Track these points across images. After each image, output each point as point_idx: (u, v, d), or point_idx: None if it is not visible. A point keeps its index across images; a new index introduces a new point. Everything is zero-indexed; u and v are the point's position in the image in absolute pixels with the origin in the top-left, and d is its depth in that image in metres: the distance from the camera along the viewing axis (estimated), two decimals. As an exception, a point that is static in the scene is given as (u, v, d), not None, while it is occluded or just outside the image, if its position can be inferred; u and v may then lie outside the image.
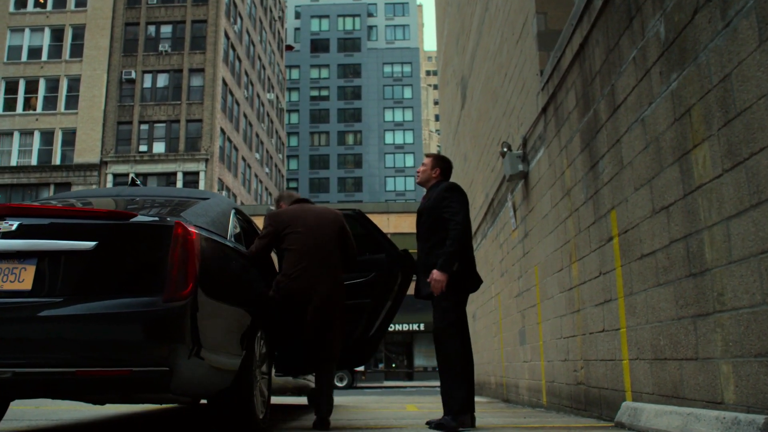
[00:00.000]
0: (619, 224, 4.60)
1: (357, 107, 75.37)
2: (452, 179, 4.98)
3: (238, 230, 4.49)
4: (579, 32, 5.43)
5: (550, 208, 6.51)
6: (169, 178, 37.19)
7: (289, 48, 70.92)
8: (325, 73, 76.56)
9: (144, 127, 38.41)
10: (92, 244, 3.20)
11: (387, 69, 76.46)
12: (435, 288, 4.37)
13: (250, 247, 4.42)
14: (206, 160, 37.36)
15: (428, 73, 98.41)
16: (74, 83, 38.75)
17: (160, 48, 39.36)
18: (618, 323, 4.66)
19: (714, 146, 3.24)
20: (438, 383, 18.60)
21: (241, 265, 4.13)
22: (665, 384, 3.87)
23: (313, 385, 6.98)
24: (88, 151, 37.51)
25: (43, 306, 3.08)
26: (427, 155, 4.98)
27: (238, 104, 43.24)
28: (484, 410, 7.04)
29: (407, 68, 76.45)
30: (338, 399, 10.52)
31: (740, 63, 3.00)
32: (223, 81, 39.91)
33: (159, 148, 38.15)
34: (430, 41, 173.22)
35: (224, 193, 37.63)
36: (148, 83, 39.13)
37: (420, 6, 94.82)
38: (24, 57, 39.14)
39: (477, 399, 10.51)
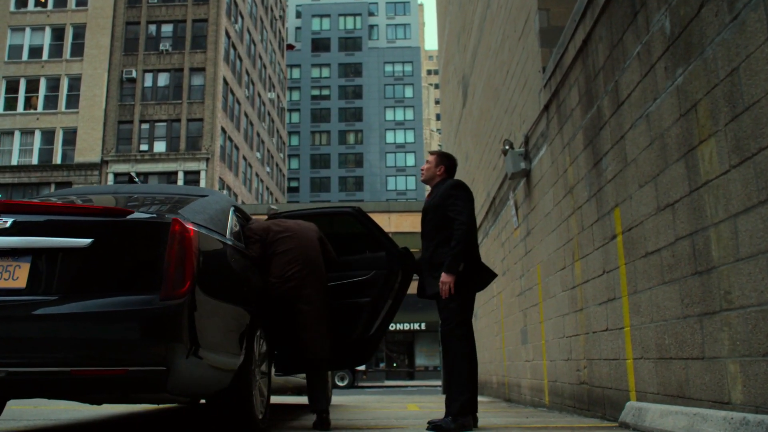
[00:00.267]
0: (623, 222, 4.54)
1: (358, 106, 75.29)
2: (455, 177, 4.92)
3: (237, 228, 4.43)
4: (582, 28, 5.37)
5: (553, 206, 6.45)
6: (170, 177, 37.14)
7: (290, 47, 70.93)
8: (326, 72, 76.49)
9: (145, 126, 38.36)
10: (88, 241, 3.14)
11: (388, 68, 76.38)
12: (443, 290, 4.33)
13: (250, 252, 4.40)
14: (207, 160, 37.31)
15: (429, 72, 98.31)
16: (75, 82, 38.71)
17: (161, 47, 39.30)
18: (622, 322, 4.61)
19: (721, 142, 3.18)
20: (440, 382, 18.54)
21: (240, 263, 4.08)
22: (670, 384, 3.81)
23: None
24: (88, 150, 37.47)
25: (38, 304, 3.03)
26: (431, 152, 4.93)
27: (239, 103, 43.19)
28: (486, 410, 6.98)
29: (408, 67, 76.36)
30: (339, 398, 10.47)
31: (748, 57, 2.94)
32: (224, 80, 39.86)
33: (160, 147, 38.11)
34: (431, 40, 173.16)
35: (225, 192, 37.57)
36: (148, 82, 39.08)
37: (421, 5, 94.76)
38: (25, 56, 39.10)
39: (478, 398, 10.47)
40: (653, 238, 4.00)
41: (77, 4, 39.87)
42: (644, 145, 4.12)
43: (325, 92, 75.90)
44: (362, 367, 28.41)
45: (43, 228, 3.20)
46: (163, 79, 39.15)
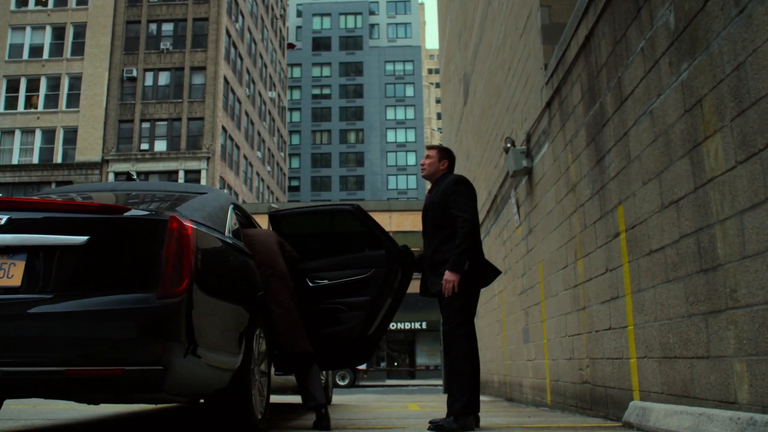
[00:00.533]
0: (626, 219, 4.49)
1: (359, 105, 75.27)
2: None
3: (236, 226, 4.39)
4: (584, 24, 5.32)
5: (555, 204, 6.41)
6: (170, 176, 37.10)
7: (291, 46, 70.88)
8: (326, 71, 76.47)
9: (145, 125, 38.33)
10: (84, 238, 3.09)
11: (389, 67, 76.35)
12: (447, 289, 4.27)
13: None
14: (208, 159, 37.28)
15: (430, 71, 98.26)
16: (75, 81, 38.69)
17: (162, 46, 39.27)
18: (625, 321, 4.56)
19: (727, 137, 3.13)
20: (441, 382, 18.49)
21: (239, 261, 4.03)
22: (675, 383, 3.76)
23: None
24: (89, 149, 37.44)
25: (32, 303, 2.98)
26: (430, 147, 4.86)
27: (239, 102, 43.16)
28: (488, 409, 6.94)
29: (409, 66, 76.33)
30: (340, 397, 10.43)
31: (755, 51, 2.89)
32: (225, 79, 39.82)
33: (160, 146, 38.08)
34: (432, 39, 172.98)
35: (226, 191, 37.53)
36: (149, 81, 39.04)
37: (422, 4, 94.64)
38: (25, 55, 39.08)
39: (480, 398, 10.43)
40: (657, 235, 3.96)
41: (78, 3, 39.84)
42: (648, 141, 4.07)
43: (326, 91, 75.88)
44: (363, 366, 28.38)
45: (39, 225, 3.15)
46: (163, 78, 39.11)
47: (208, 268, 3.43)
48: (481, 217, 11.74)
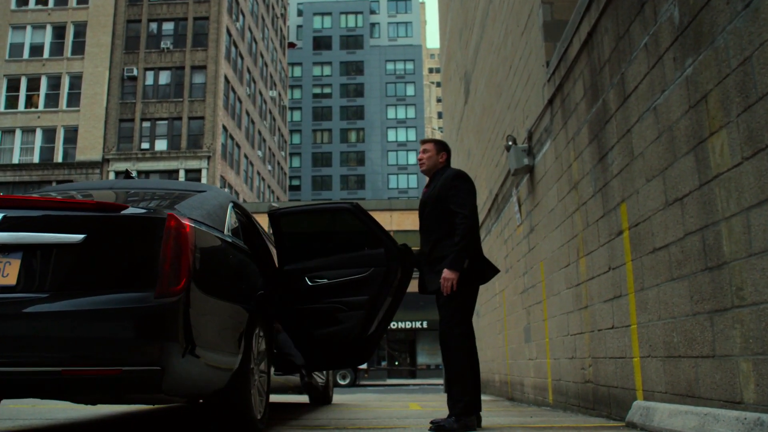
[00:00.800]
0: (629, 217, 4.44)
1: (359, 105, 75.23)
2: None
3: (236, 224, 4.34)
4: (587, 20, 5.28)
5: (557, 202, 6.36)
6: (171, 175, 37.06)
7: (292, 45, 70.84)
8: (327, 70, 76.43)
9: (146, 124, 38.30)
10: (80, 237, 3.05)
11: (389, 66, 76.31)
12: (445, 287, 4.18)
13: None
14: (208, 158, 37.25)
15: (431, 70, 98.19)
16: (76, 81, 38.66)
17: (162, 45, 39.23)
18: (628, 320, 4.51)
19: (733, 133, 3.08)
20: (441, 381, 18.42)
21: (238, 260, 3.98)
22: (679, 382, 3.71)
23: (314, 383, 6.86)
24: (90, 148, 37.42)
25: (28, 302, 2.93)
26: (425, 141, 4.73)
27: (240, 101, 43.11)
28: (489, 409, 6.89)
29: (410, 65, 76.29)
30: (341, 397, 10.39)
31: (762, 45, 2.84)
32: (225, 78, 39.78)
33: (161, 145, 38.04)
34: (432, 38, 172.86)
35: (226, 190, 37.49)
36: (150, 80, 39.01)
37: (422, 3, 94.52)
38: (26, 54, 39.06)
39: (481, 397, 10.38)
40: (661, 233, 3.91)
41: (78, 3, 39.81)
42: (652, 138, 4.02)
43: (327, 90, 75.84)
44: (364, 366, 28.35)
45: (35, 223, 3.11)
46: (164, 77, 39.08)
47: (206, 267, 3.38)
48: (482, 215, 11.70)
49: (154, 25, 39.96)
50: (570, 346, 6.02)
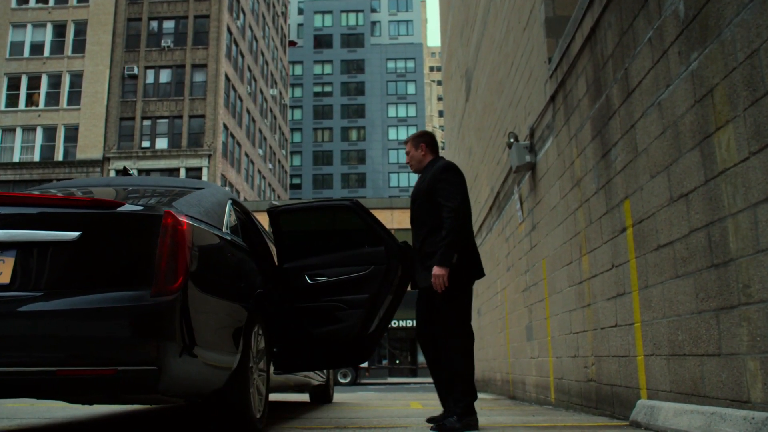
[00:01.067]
0: (633, 214, 4.39)
1: (360, 103, 75.16)
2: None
3: (235, 222, 4.29)
4: (590, 15, 5.22)
5: (559, 200, 6.30)
6: (171, 174, 37.01)
7: (292, 44, 70.73)
8: (328, 69, 76.35)
9: (146, 122, 38.25)
10: (75, 234, 2.99)
11: (390, 65, 76.22)
12: (436, 285, 4.04)
13: None
14: (209, 156, 37.20)
15: (432, 68, 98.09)
16: (76, 79, 38.61)
17: (163, 43, 39.18)
18: (632, 318, 4.46)
19: (739, 128, 3.02)
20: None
21: (236, 258, 3.93)
22: (684, 381, 3.66)
23: (314, 382, 6.81)
24: (90, 147, 37.37)
25: (22, 301, 2.88)
26: (405, 142, 4.65)
27: (240, 100, 43.05)
28: (491, 408, 6.84)
29: (411, 64, 76.20)
30: (341, 396, 10.34)
31: (769, 37, 2.78)
32: (226, 76, 39.73)
33: (161, 144, 37.99)
34: (433, 37, 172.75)
35: (227, 188, 37.42)
36: (150, 79, 38.95)
37: (423, 1, 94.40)
38: (26, 53, 39.01)
39: (482, 396, 10.31)
40: (666, 230, 3.85)
41: (79, 1, 39.76)
42: (656, 134, 3.97)
43: (328, 89, 75.77)
44: (365, 364, 28.29)
45: (29, 221, 3.05)
46: (164, 76, 39.02)
47: (204, 265, 3.33)
48: (483, 213, 11.64)
49: (154, 24, 39.90)
50: (572, 345, 5.97)
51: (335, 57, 76.45)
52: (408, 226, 4.64)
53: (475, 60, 12.35)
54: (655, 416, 3.81)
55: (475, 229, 12.92)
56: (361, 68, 76.10)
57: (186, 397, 3.32)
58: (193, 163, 37.21)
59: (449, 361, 4.20)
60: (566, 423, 4.70)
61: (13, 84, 38.54)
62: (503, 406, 7.25)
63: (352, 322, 4.67)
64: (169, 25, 39.87)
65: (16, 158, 37.42)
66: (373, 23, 78.72)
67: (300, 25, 77.99)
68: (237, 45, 42.58)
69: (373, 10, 79.21)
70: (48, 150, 37.61)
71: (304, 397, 8.93)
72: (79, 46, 39.02)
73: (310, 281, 4.82)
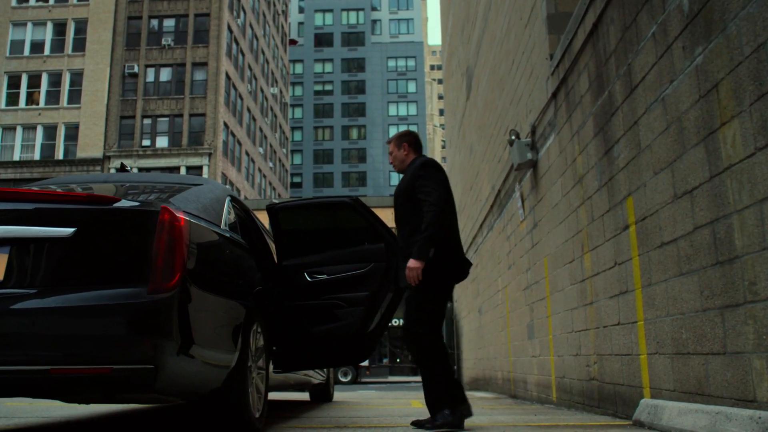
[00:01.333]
0: (636, 211, 4.34)
1: (361, 102, 75.07)
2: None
3: (233, 219, 4.24)
4: (592, 11, 5.17)
5: (561, 197, 6.26)
6: (172, 172, 36.89)
7: (293, 42, 70.63)
8: (328, 67, 76.25)
9: (147, 121, 38.19)
10: (70, 230, 2.94)
11: (391, 63, 76.11)
12: (410, 278, 3.90)
13: None
14: (209, 155, 37.15)
15: (432, 67, 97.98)
16: (77, 77, 38.55)
17: (163, 42, 39.11)
18: (635, 316, 4.41)
19: (745, 123, 2.98)
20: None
21: (235, 255, 3.88)
22: (688, 380, 3.62)
23: (315, 380, 6.76)
24: (90, 145, 37.32)
25: (16, 298, 2.83)
26: (388, 141, 4.57)
27: (241, 98, 42.99)
28: (492, 407, 6.80)
29: (411, 62, 76.09)
30: (342, 394, 10.30)
31: (776, 30, 2.74)
32: (227, 75, 39.66)
33: (162, 142, 37.94)
34: (434, 35, 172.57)
35: (228, 187, 37.33)
36: (151, 77, 38.89)
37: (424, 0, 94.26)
38: (26, 51, 38.95)
39: (483, 395, 10.28)
40: (669, 227, 3.81)
41: (79, -1, 39.72)
42: (660, 130, 3.92)
43: (328, 87, 75.68)
44: (365, 363, 28.23)
45: (23, 217, 3.00)
46: (165, 74, 38.96)
47: (202, 262, 3.28)
48: (484, 212, 11.59)
49: (155, 22, 39.83)
50: (574, 343, 5.92)
51: (336, 55, 76.36)
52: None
53: (476, 57, 12.30)
54: (659, 415, 3.77)
55: (476, 227, 12.86)
56: (362, 67, 76.01)
57: (183, 396, 3.27)
58: (194, 161, 37.16)
59: (423, 370, 4.02)
60: (569, 422, 4.65)
61: (14, 82, 38.49)
62: (504, 405, 7.20)
63: (351, 320, 4.62)
64: (169, 23, 39.80)
65: (16, 157, 37.38)
66: (374, 22, 78.60)
67: (300, 23, 77.89)
68: (237, 43, 42.51)
69: (374, 9, 79.10)
70: (48, 149, 37.56)
71: (305, 395, 8.89)
72: (80, 45, 38.95)
73: (309, 279, 4.77)
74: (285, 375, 5.24)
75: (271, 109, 52.89)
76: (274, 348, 4.62)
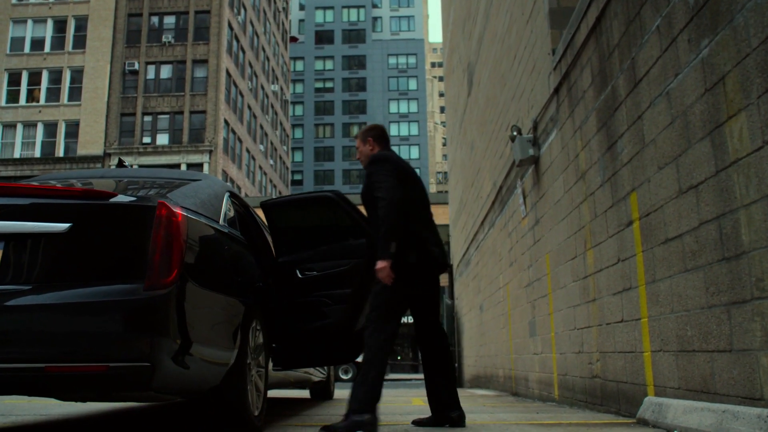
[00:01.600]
0: (640, 207, 4.29)
1: (362, 99, 75.01)
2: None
3: (232, 215, 4.19)
4: (595, 5, 5.11)
5: (563, 193, 6.20)
6: (172, 169, 36.87)
7: (294, 39, 70.58)
8: (329, 64, 76.19)
9: (147, 118, 38.14)
10: (66, 226, 2.89)
11: (392, 60, 76.03)
12: (383, 279, 3.81)
13: None
14: (210, 152, 37.10)
15: (433, 64, 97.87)
16: (77, 75, 38.50)
17: (164, 39, 39.04)
18: (638, 313, 4.36)
19: (753, 116, 2.92)
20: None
21: (234, 251, 3.83)
22: (693, 378, 3.57)
23: (315, 378, 6.72)
24: (91, 143, 37.28)
25: (10, 294, 2.78)
26: (355, 136, 4.44)
27: (242, 96, 42.93)
28: (494, 405, 6.75)
29: (412, 59, 76.00)
30: (342, 392, 10.25)
31: (785, 21, 2.68)
32: (227, 72, 39.60)
33: (162, 139, 37.90)
34: (435, 32, 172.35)
35: (228, 184, 37.27)
36: (151, 74, 38.83)
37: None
38: (27, 48, 38.90)
39: (484, 392, 10.23)
40: (674, 223, 3.75)
41: (79, -4, 39.65)
42: (664, 124, 3.87)
43: (329, 85, 75.63)
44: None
45: (18, 212, 2.95)
46: (165, 71, 38.90)
47: (199, 258, 3.23)
48: (485, 208, 11.54)
49: (155, 19, 39.76)
50: (577, 341, 5.87)
51: (336, 53, 76.27)
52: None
53: (477, 53, 12.24)
54: (664, 414, 3.72)
55: (477, 224, 12.81)
56: (363, 64, 75.93)
57: (181, 394, 3.22)
58: (194, 158, 37.11)
59: (366, 366, 3.83)
60: (571, 420, 4.61)
61: (14, 80, 38.44)
62: (506, 403, 7.16)
63: (337, 317, 4.55)
64: (169, 20, 39.73)
65: (16, 154, 37.35)
66: (375, 19, 78.52)
67: (301, 20, 77.82)
68: (238, 41, 42.44)
69: (375, 6, 79.01)
70: (49, 146, 37.53)
71: (305, 393, 8.85)
72: (80, 42, 38.90)
73: (300, 275, 4.72)
74: (285, 372, 5.19)
75: (272, 107, 52.83)
76: (274, 345, 4.57)
